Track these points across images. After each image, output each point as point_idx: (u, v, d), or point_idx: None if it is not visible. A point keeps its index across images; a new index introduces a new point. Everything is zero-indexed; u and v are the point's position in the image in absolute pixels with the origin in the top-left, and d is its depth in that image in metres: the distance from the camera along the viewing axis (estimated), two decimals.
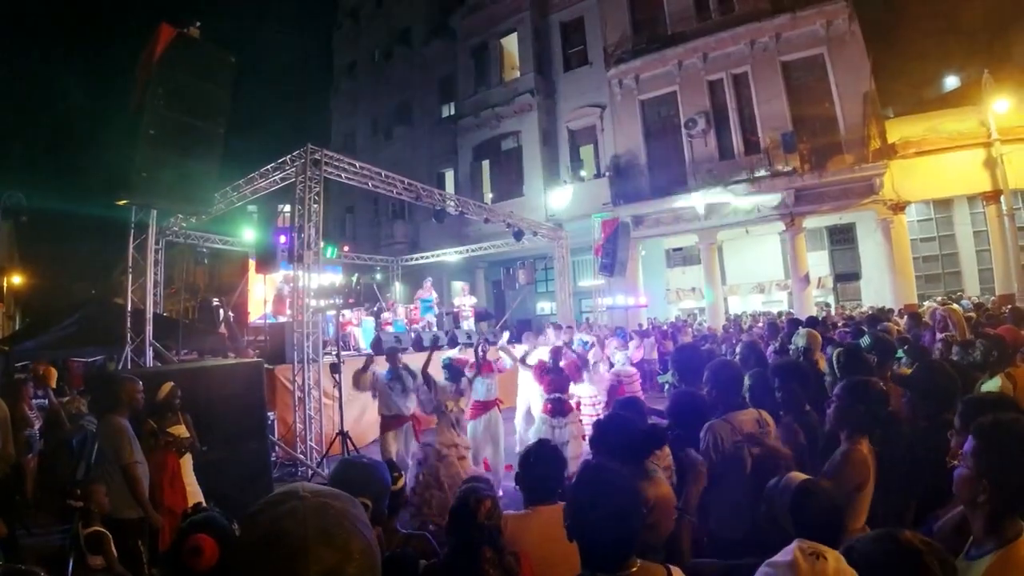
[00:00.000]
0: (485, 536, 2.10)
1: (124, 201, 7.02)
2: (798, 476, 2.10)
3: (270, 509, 0.84)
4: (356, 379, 6.95)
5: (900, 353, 5.12)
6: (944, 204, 17.43)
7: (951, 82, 19.08)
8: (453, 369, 6.37)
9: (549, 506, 2.51)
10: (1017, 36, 15.14)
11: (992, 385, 3.84)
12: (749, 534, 2.79)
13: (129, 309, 8.57)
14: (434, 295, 15.31)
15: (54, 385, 7.98)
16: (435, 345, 8.92)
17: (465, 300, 15.52)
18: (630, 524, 1.69)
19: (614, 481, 1.76)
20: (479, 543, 2.08)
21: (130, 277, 8.52)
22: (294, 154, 9.53)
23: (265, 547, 0.80)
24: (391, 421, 6.82)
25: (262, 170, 10.36)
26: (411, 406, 6.84)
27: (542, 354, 8.05)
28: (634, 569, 1.67)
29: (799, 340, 5.11)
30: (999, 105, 14.48)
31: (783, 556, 1.27)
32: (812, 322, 7.69)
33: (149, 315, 8.63)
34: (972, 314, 9.13)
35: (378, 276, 18.51)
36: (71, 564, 3.71)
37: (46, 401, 7.18)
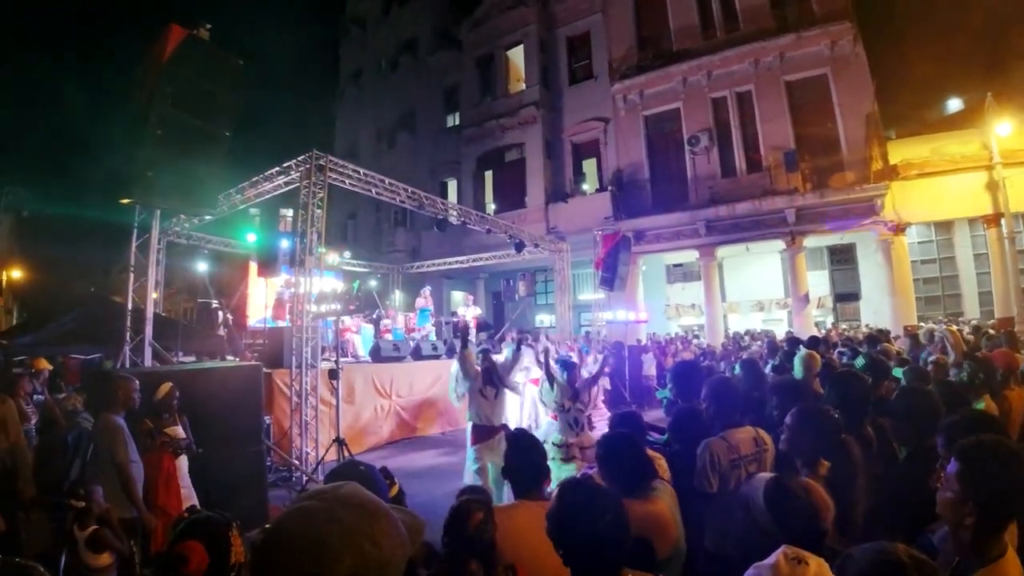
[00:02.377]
0: (473, 549, 2.10)
1: (128, 200, 7.03)
2: (768, 475, 2.11)
3: (292, 507, 0.85)
4: (464, 361, 6.05)
5: (898, 372, 5.11)
6: (945, 226, 17.49)
7: (954, 104, 19.20)
8: (569, 365, 6.03)
9: (535, 501, 2.52)
10: (1021, 59, 15.21)
11: (978, 408, 3.85)
12: (744, 551, 2.78)
13: (129, 308, 8.56)
14: (431, 305, 15.28)
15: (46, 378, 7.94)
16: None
17: (468, 311, 15.48)
18: (614, 542, 1.69)
19: (595, 500, 1.76)
20: (468, 557, 2.08)
21: (131, 276, 8.51)
22: (299, 159, 9.56)
23: (278, 545, 0.80)
24: (481, 432, 5.87)
25: (266, 173, 10.39)
26: (503, 415, 6.08)
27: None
28: None
29: (798, 363, 5.09)
30: (1002, 128, 14.49)
31: (768, 560, 1.30)
32: (813, 342, 7.67)
33: (149, 315, 8.61)
34: (971, 337, 9.13)
35: (374, 283, 18.45)
36: (63, 562, 3.70)
37: (43, 397, 7.16)
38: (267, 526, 0.86)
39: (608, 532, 1.67)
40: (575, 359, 7.84)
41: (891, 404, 3.49)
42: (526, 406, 8.80)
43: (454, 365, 6.20)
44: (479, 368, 6.09)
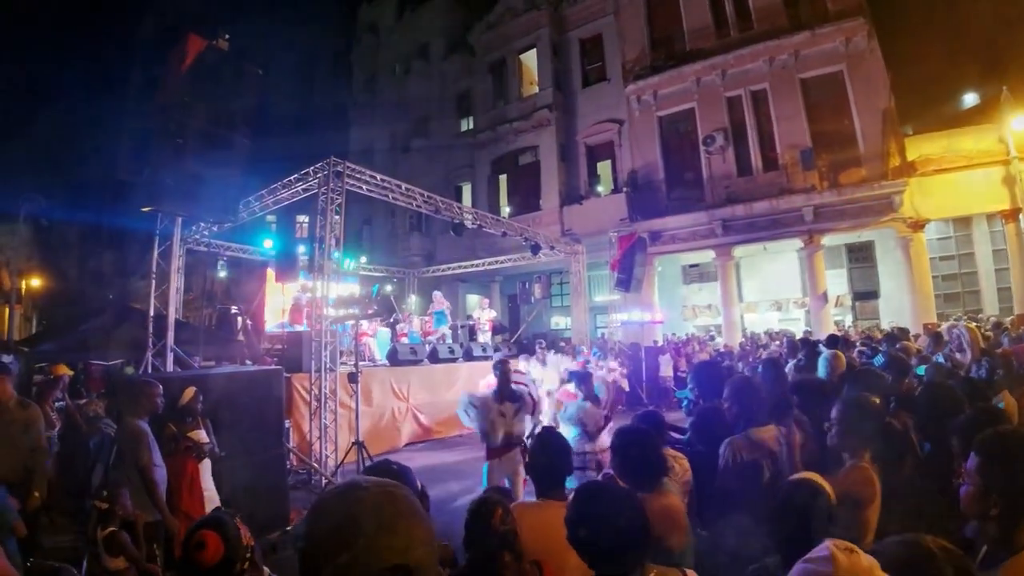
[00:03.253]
0: (503, 542, 2.10)
1: (149, 208, 7.14)
2: (807, 476, 2.11)
3: (337, 499, 0.86)
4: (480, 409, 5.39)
5: (921, 371, 5.08)
6: (963, 222, 17.23)
7: (970, 99, 18.98)
8: (580, 376, 5.90)
9: (558, 500, 2.52)
10: None
11: (997, 404, 3.81)
12: (767, 549, 2.77)
13: (151, 314, 8.68)
14: (447, 307, 15.31)
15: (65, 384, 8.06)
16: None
17: (483, 314, 15.50)
18: (634, 542, 1.70)
19: (613, 502, 1.76)
20: (498, 550, 2.08)
21: (153, 283, 8.64)
22: (317, 165, 9.63)
23: (337, 536, 0.82)
24: (498, 447, 5.38)
25: (285, 181, 10.48)
26: (525, 429, 5.53)
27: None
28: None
29: (823, 363, 5.06)
30: (1017, 122, 14.34)
31: (818, 552, 1.30)
32: (832, 340, 7.61)
33: (171, 321, 8.73)
34: (990, 333, 9.02)
35: (390, 287, 18.53)
36: (85, 564, 3.75)
37: (63, 403, 7.28)
38: (318, 511, 0.87)
39: (628, 532, 1.68)
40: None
41: (914, 400, 3.48)
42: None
43: (465, 396, 5.56)
44: (494, 404, 5.46)
